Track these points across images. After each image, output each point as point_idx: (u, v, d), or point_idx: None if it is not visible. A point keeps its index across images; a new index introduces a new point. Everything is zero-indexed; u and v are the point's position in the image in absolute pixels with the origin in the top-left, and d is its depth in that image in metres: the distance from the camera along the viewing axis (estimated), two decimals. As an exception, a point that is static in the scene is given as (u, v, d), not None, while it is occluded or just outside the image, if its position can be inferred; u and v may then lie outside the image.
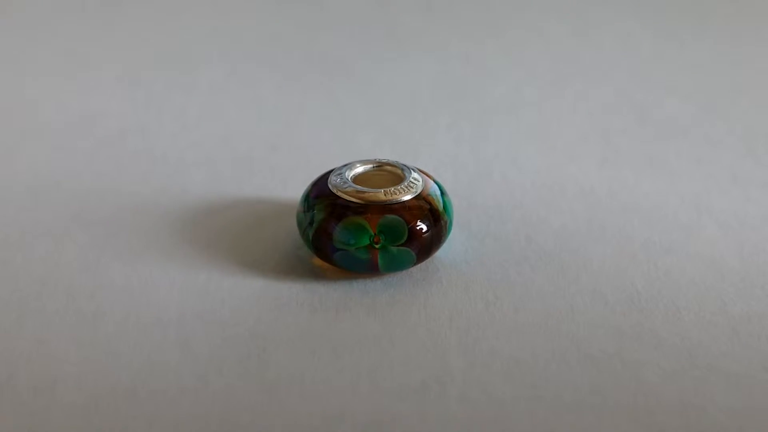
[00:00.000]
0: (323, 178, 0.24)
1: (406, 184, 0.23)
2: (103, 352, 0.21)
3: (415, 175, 0.24)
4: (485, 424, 0.19)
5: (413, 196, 0.23)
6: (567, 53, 0.40)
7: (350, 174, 0.24)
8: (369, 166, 0.25)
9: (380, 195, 0.23)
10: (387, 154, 0.30)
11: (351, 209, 0.22)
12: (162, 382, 0.20)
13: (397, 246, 0.22)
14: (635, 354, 0.21)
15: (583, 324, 0.22)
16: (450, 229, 0.24)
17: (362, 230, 0.22)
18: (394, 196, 0.23)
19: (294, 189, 0.27)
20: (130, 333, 0.21)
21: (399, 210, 0.22)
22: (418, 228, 0.23)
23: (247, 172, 0.30)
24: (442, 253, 0.24)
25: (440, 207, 0.23)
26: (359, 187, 0.23)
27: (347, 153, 0.30)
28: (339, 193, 0.23)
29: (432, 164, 0.29)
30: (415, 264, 0.23)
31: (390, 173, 0.25)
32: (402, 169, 0.24)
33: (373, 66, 0.38)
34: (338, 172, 0.24)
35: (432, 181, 0.24)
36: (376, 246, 0.22)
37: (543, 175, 0.29)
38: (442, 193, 0.24)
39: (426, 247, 0.23)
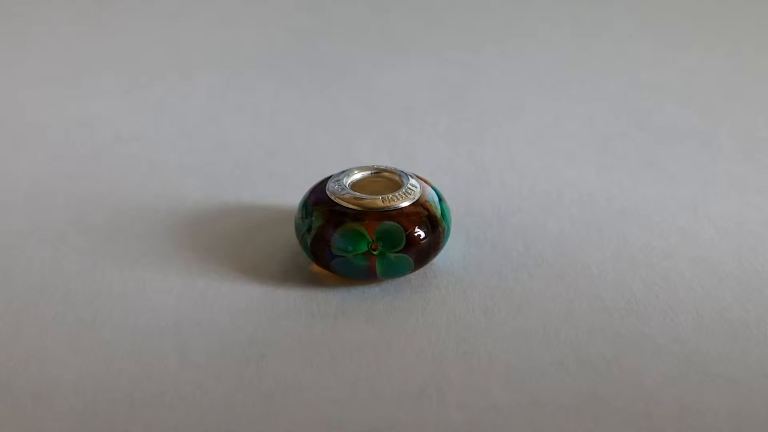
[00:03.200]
0: (321, 185, 0.24)
1: (403, 190, 0.23)
2: (100, 359, 0.21)
3: (412, 181, 0.24)
4: (484, 431, 0.19)
5: (411, 202, 0.23)
6: (565, 58, 0.40)
7: (348, 180, 0.24)
8: (367, 173, 0.25)
9: (378, 201, 0.23)
10: (385, 160, 0.30)
11: (349, 216, 0.22)
12: (160, 388, 0.20)
13: (395, 252, 0.22)
14: (634, 359, 0.21)
15: (582, 329, 0.22)
16: (448, 235, 0.24)
17: (360, 237, 0.22)
18: (392, 203, 0.23)
19: (292, 195, 0.27)
20: (127, 339, 0.21)
21: (397, 216, 0.22)
22: (416, 234, 0.23)
23: (245, 179, 0.30)
24: (440, 259, 0.24)
25: (438, 213, 0.23)
26: (357, 194, 0.23)
27: (345, 159, 0.30)
28: (337, 200, 0.23)
29: (430, 170, 0.29)
30: (413, 270, 0.23)
31: (388, 179, 0.24)
32: (400, 176, 0.24)
33: (371, 71, 0.38)
34: (336, 178, 0.24)
35: (430, 188, 0.24)
36: (374, 252, 0.22)
37: (541, 180, 0.29)
38: (440, 199, 0.24)
39: (424, 253, 0.23)
